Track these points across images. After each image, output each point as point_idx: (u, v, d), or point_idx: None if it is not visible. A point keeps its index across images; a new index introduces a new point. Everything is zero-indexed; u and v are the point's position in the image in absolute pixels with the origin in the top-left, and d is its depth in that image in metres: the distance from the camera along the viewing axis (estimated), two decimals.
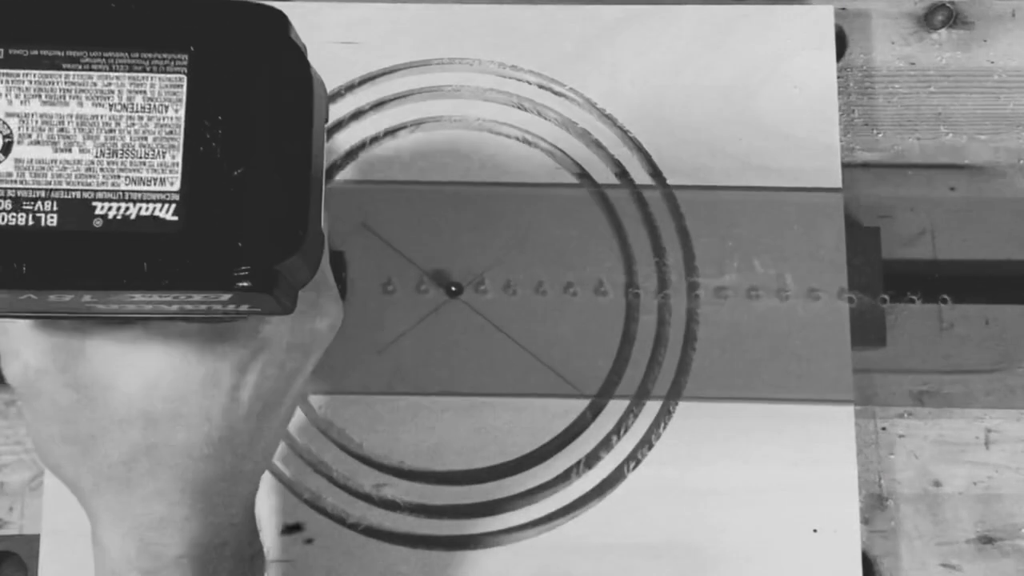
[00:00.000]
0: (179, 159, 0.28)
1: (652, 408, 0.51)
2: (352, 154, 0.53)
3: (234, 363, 0.35)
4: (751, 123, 0.53)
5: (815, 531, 0.50)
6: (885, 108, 0.55)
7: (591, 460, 0.50)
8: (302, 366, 0.37)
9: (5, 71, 0.28)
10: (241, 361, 0.35)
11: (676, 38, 0.54)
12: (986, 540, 0.52)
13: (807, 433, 0.50)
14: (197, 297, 0.28)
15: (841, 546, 0.50)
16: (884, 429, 0.52)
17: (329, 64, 0.53)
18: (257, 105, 0.28)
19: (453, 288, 0.51)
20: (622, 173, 0.53)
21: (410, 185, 0.52)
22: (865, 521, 0.51)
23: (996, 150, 0.55)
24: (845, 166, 0.53)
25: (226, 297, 0.28)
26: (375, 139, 0.53)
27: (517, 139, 0.53)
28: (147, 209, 0.28)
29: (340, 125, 0.53)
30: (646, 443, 0.51)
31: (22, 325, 0.34)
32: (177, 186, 0.28)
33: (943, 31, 0.56)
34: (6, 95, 0.28)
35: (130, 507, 0.35)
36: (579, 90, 0.53)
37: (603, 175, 0.53)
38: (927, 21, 0.56)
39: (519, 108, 0.53)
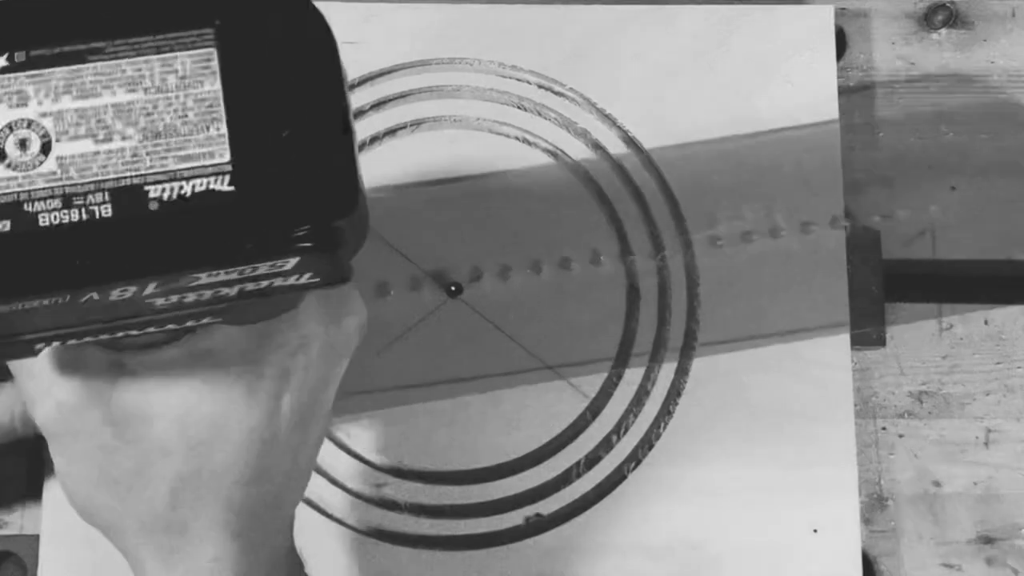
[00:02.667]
0: (224, 130, 0.28)
1: (652, 407, 0.51)
2: None
3: (275, 369, 0.34)
4: (751, 123, 0.53)
5: (815, 531, 0.50)
6: (885, 108, 0.55)
7: (591, 460, 0.50)
8: (335, 370, 0.36)
9: (31, 73, 0.27)
10: (282, 366, 0.34)
11: (676, 38, 0.54)
12: (986, 540, 0.52)
13: (807, 433, 0.50)
14: (262, 269, 0.28)
15: (841, 546, 0.50)
16: (884, 429, 0.52)
17: None
18: (289, 67, 0.28)
19: (453, 288, 0.51)
20: (597, 144, 0.53)
21: (410, 185, 0.52)
22: (865, 521, 0.51)
23: (996, 150, 0.55)
24: (845, 166, 0.53)
25: (290, 265, 0.28)
26: (375, 139, 0.53)
27: (517, 139, 0.53)
28: (201, 184, 0.27)
29: None
30: (646, 443, 0.51)
31: (51, 365, 0.33)
32: (227, 157, 0.28)
33: (943, 31, 0.56)
34: (35, 96, 0.27)
35: (179, 548, 0.34)
36: (579, 90, 0.53)
37: (579, 151, 0.53)
38: (927, 21, 0.56)
39: (519, 108, 0.53)
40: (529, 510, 0.50)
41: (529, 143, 0.53)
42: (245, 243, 0.27)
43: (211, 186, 0.27)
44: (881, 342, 0.52)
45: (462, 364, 0.51)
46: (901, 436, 0.52)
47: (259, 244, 0.27)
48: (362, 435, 0.50)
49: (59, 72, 0.28)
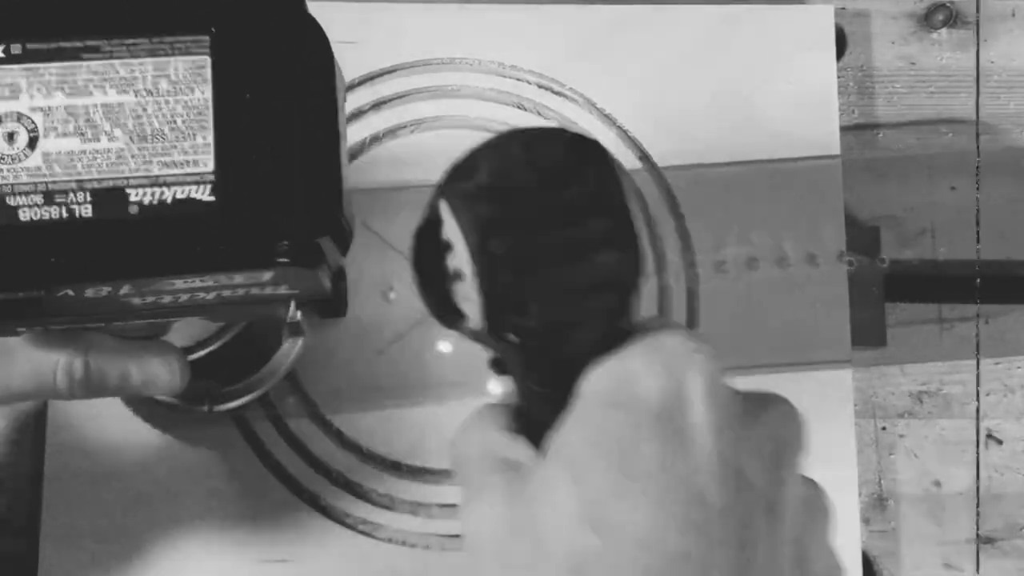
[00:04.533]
0: (211, 139, 0.28)
1: None
2: (352, 154, 0.53)
3: None
4: (751, 123, 0.53)
5: None
6: (885, 108, 0.55)
7: None
8: None
9: (25, 66, 0.27)
10: None
11: (676, 38, 0.54)
12: (986, 540, 0.52)
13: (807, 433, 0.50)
14: (238, 279, 0.28)
15: (841, 546, 0.50)
16: (884, 429, 0.52)
17: None
18: (282, 80, 0.28)
19: None
20: None
21: (410, 185, 0.52)
22: (865, 521, 0.51)
23: (996, 150, 0.55)
24: (845, 166, 0.53)
25: (267, 277, 0.28)
26: (375, 139, 0.53)
27: None
28: (183, 192, 0.27)
29: None
30: None
31: None
32: (211, 166, 0.28)
33: (943, 31, 0.56)
34: (28, 90, 0.27)
35: None
36: (579, 90, 0.53)
37: None
38: (927, 21, 0.56)
39: (519, 108, 0.53)
40: None
41: None
42: (221, 254, 0.27)
43: (192, 194, 0.27)
44: (881, 342, 0.52)
45: (463, 364, 0.51)
46: (901, 436, 0.52)
47: (235, 256, 0.27)
48: (363, 434, 0.50)
49: (53, 67, 0.28)
